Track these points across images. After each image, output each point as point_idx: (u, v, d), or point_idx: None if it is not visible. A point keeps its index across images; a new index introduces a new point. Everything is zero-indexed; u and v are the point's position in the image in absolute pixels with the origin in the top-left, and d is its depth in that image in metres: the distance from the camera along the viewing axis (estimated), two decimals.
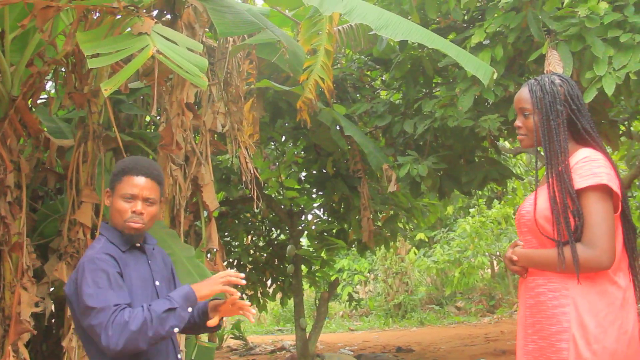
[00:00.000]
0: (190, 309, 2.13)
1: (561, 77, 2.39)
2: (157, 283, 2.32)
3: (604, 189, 2.18)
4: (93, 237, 4.11)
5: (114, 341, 2.01)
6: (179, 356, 2.30)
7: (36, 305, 4.02)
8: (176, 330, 2.09)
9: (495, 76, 4.37)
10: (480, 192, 15.00)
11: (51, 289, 4.72)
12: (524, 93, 2.41)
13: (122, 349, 2.03)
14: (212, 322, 2.34)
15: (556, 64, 4.29)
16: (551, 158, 2.29)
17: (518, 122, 2.44)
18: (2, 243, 3.90)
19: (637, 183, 11.69)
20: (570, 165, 2.23)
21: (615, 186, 2.20)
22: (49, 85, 5.78)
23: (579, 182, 2.19)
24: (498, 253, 14.71)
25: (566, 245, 2.17)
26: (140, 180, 2.27)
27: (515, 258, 2.32)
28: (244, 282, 2.19)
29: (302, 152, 8.36)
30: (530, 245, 2.33)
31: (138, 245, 2.34)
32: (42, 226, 5.13)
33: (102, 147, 4.24)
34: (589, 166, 2.21)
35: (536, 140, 2.35)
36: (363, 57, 7.12)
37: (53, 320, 5.64)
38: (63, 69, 4.32)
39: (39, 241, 4.99)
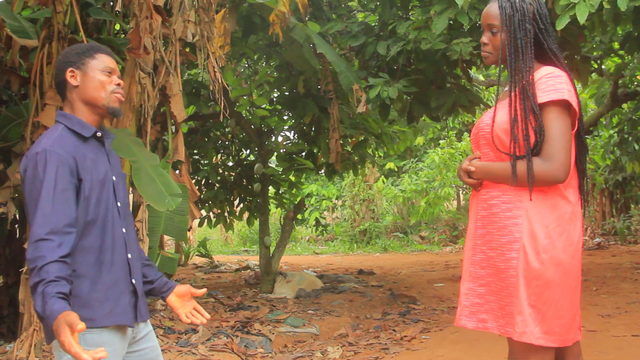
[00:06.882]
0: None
1: None
2: (114, 178, 2.18)
3: (564, 105, 2.21)
4: None
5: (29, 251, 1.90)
6: (133, 280, 2.15)
7: None
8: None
9: None
10: (450, 124, 15.16)
11: (15, 195, 4.69)
12: (493, 9, 2.36)
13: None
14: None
15: None
16: (515, 75, 2.30)
17: (484, 39, 2.40)
18: None
19: (604, 122, 11.87)
20: (534, 81, 2.25)
21: (574, 103, 2.24)
22: None
23: (541, 97, 2.22)
24: (464, 185, 14.91)
25: (521, 159, 2.22)
26: (111, 59, 2.21)
27: (472, 169, 2.35)
28: None
29: (274, 72, 8.27)
30: (487, 159, 2.36)
31: (99, 135, 2.16)
32: (5, 130, 5.06)
33: None
34: (552, 82, 2.23)
35: (501, 57, 2.35)
36: None
37: (16, 226, 5.65)
38: None
39: (2, 145, 4.93)
